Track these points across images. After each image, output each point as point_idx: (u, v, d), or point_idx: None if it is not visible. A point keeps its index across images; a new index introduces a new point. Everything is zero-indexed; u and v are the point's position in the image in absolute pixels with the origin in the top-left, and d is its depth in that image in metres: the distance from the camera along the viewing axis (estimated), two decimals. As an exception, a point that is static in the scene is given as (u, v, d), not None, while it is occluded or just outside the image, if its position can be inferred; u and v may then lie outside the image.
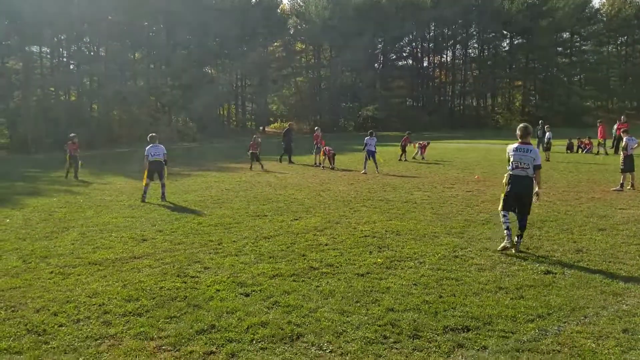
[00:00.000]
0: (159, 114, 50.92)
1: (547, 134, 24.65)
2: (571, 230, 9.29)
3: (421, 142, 25.70)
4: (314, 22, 63.76)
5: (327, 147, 21.83)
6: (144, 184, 13.54)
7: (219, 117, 62.14)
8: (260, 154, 21.40)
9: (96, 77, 47.65)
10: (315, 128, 23.98)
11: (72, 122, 38.82)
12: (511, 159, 7.98)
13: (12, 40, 41.35)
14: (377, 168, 19.38)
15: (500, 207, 8.18)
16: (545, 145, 24.61)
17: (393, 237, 8.94)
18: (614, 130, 28.96)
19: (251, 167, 20.96)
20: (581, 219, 10.26)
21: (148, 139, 13.92)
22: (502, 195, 8.15)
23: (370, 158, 19.52)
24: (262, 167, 20.88)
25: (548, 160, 22.73)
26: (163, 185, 13.57)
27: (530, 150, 7.93)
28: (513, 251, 7.82)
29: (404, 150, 24.45)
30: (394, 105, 66.60)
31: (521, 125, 8.33)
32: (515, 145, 8.03)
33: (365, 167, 19.49)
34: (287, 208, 12.04)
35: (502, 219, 8.09)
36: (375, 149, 19.85)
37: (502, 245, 7.90)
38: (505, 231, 7.93)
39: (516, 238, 7.93)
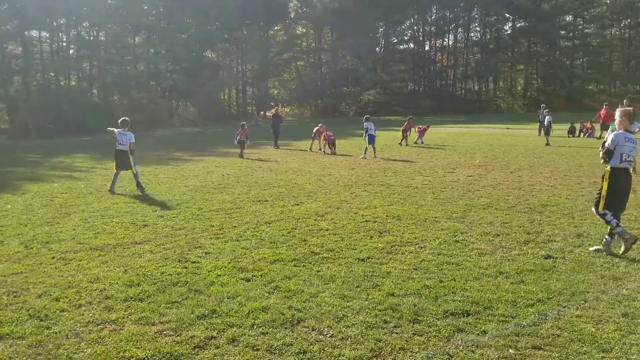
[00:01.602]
0: (160, 99, 50.82)
1: (547, 117, 24.36)
2: (572, 215, 9.29)
3: (420, 127, 25.46)
4: (315, 6, 63.43)
5: (327, 133, 21.74)
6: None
7: (220, 102, 62.00)
8: (248, 141, 21.06)
9: (96, 61, 47.48)
10: (319, 125, 23.36)
11: (73, 108, 38.84)
12: (621, 150, 6.88)
13: (11, 25, 41.12)
14: (374, 153, 19.37)
15: (601, 207, 7.09)
16: (545, 129, 24.36)
17: (394, 222, 8.95)
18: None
19: (241, 154, 20.21)
20: (582, 204, 10.25)
21: (119, 122, 12.80)
22: (604, 193, 7.04)
23: (370, 144, 19.38)
24: (241, 155, 20.13)
25: (548, 145, 22.62)
26: (135, 175, 12.54)
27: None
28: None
29: (405, 135, 24.35)
30: (395, 90, 66.39)
31: (630, 108, 7.33)
32: (626, 134, 7.00)
33: (365, 153, 19.44)
34: (288, 193, 12.05)
35: (611, 223, 6.96)
36: (375, 133, 19.83)
37: (624, 247, 6.93)
38: (617, 229, 6.92)
39: (608, 237, 7.03)
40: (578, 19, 69.46)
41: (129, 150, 12.54)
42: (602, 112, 26.43)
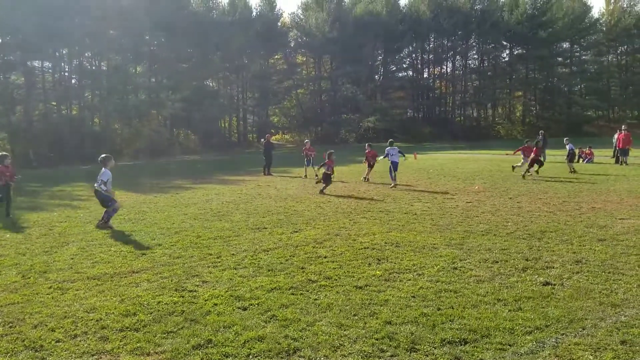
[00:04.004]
0: (161, 127, 51.14)
1: (569, 145, 23.57)
2: (571, 241, 9.27)
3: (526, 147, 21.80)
4: (314, 35, 64.25)
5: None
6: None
7: (221, 129, 62.41)
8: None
9: (97, 91, 47.92)
10: (305, 141, 23.89)
11: (74, 136, 39.08)
12: None
13: (14, 56, 41.64)
14: (393, 180, 18.48)
15: None
16: (567, 157, 23.27)
17: (392, 249, 8.93)
18: (614, 140, 28.99)
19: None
20: (581, 229, 10.24)
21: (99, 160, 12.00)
22: None
23: (393, 169, 18.50)
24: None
25: (573, 172, 21.74)
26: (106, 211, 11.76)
27: None
28: None
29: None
30: (394, 117, 66.86)
31: None
32: None
33: (394, 179, 18.40)
34: (287, 220, 12.05)
35: None
36: (399, 159, 18.84)
37: None
38: None
39: None
40: (575, 45, 70.41)
41: (101, 189, 11.65)
42: (623, 136, 26.32)
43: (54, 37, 40.55)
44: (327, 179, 17.19)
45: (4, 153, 14.54)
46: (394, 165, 18.56)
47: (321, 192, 16.83)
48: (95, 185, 11.81)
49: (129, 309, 6.17)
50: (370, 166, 20.44)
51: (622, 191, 15.70)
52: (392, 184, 18.31)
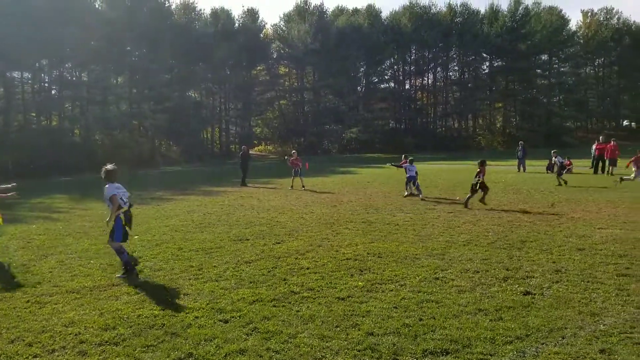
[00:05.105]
0: (142, 138, 50.79)
1: (557, 158, 23.22)
2: (551, 250, 9.38)
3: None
4: (296, 47, 64.49)
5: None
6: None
7: (204, 140, 62.18)
8: None
9: (78, 102, 47.49)
10: (292, 152, 23.98)
11: (54, 148, 38.60)
12: None
13: (-7, 66, 41.14)
14: (410, 192, 18.76)
15: None
16: (558, 170, 22.59)
17: (375, 260, 8.95)
18: (592, 151, 29.47)
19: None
20: (561, 239, 10.36)
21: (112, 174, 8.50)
22: None
23: (411, 182, 18.76)
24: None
25: (560, 185, 21.22)
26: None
27: None
28: None
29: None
30: (377, 128, 67.22)
31: None
32: None
33: (419, 192, 18.46)
34: (269, 231, 12.01)
35: None
36: (417, 174, 18.95)
37: None
38: None
39: None
40: (554, 58, 71.54)
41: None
42: (610, 146, 26.78)
43: (34, 47, 40.15)
44: (483, 187, 15.99)
45: None
46: (412, 179, 18.71)
47: (467, 202, 15.83)
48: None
49: (108, 323, 6.08)
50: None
51: (601, 201, 15.93)
52: (420, 196, 18.06)
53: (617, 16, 73.00)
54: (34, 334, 5.81)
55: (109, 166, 8.52)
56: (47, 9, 39.67)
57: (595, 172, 27.60)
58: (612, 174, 25.46)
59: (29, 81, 46.18)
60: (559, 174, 22.20)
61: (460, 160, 41.97)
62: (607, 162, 27.02)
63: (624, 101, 74.10)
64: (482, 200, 15.64)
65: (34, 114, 45.11)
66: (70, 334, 5.80)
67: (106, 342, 5.56)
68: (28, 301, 7.03)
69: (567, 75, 73.18)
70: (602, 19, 72.92)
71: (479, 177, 15.69)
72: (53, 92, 47.74)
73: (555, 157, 23.49)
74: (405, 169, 19.16)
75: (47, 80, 47.58)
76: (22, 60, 41.45)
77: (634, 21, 73.83)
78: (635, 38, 68.99)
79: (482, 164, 16.06)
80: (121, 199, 8.34)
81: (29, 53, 40.56)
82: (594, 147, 29.25)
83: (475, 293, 6.98)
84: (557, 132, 64.30)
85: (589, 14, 73.87)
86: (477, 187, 15.64)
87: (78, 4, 43.69)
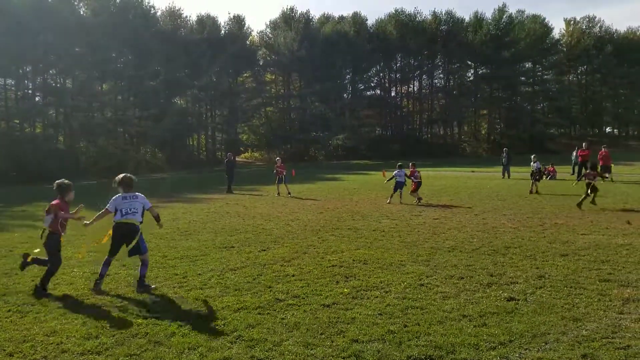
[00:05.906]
0: (127, 145, 50.46)
1: (535, 164, 22.73)
2: (534, 256, 9.45)
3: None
4: (283, 54, 64.66)
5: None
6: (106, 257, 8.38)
7: (189, 147, 61.92)
8: None
9: (62, 108, 47.09)
10: (276, 159, 24.14)
11: (37, 155, 38.22)
12: None
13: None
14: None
15: None
16: (536, 176, 22.40)
17: (360, 267, 8.96)
18: (573, 157, 29.87)
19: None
20: (544, 245, 10.45)
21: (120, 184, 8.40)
22: None
23: (398, 190, 18.79)
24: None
25: (533, 193, 21.15)
26: (144, 265, 8.08)
27: None
28: None
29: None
30: (363, 134, 67.44)
31: None
32: None
33: (391, 197, 18.83)
34: (255, 239, 11.97)
35: None
36: (405, 181, 19.01)
37: None
38: None
39: None
40: (537, 65, 72.42)
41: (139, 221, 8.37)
42: (603, 153, 27.10)
43: (18, 54, 39.83)
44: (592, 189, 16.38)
45: None
46: (399, 185, 18.80)
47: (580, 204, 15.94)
48: (132, 217, 8.23)
49: (90, 332, 6.02)
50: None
51: (584, 207, 16.09)
52: (388, 200, 18.70)
53: (599, 24, 74.32)
54: (15, 344, 5.72)
55: (119, 176, 8.54)
56: (30, 15, 39.38)
57: (578, 177, 27.86)
58: (612, 180, 25.44)
59: (12, 88, 45.74)
60: (535, 179, 21.99)
61: (446, 167, 42.21)
62: (599, 169, 27.18)
63: (606, 108, 75.19)
64: (592, 201, 16.39)
65: (17, 121, 44.67)
66: (52, 343, 5.73)
67: (88, 351, 5.49)
68: (9, 310, 6.93)
69: (551, 82, 74.13)
70: (584, 27, 74.02)
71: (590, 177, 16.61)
72: (37, 99, 47.34)
73: (534, 162, 23.05)
74: (394, 175, 19.11)
75: (30, 87, 47.18)
76: (5, 67, 41.08)
77: (616, 29, 75.41)
78: (617, 46, 70.04)
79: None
80: (120, 210, 8.26)
81: (12, 59, 40.22)
82: (574, 153, 29.65)
83: (460, 299, 7.01)
84: (541, 138, 64.98)
85: (572, 22, 74.97)
86: (589, 190, 16.32)
87: (62, 11, 43.38)
